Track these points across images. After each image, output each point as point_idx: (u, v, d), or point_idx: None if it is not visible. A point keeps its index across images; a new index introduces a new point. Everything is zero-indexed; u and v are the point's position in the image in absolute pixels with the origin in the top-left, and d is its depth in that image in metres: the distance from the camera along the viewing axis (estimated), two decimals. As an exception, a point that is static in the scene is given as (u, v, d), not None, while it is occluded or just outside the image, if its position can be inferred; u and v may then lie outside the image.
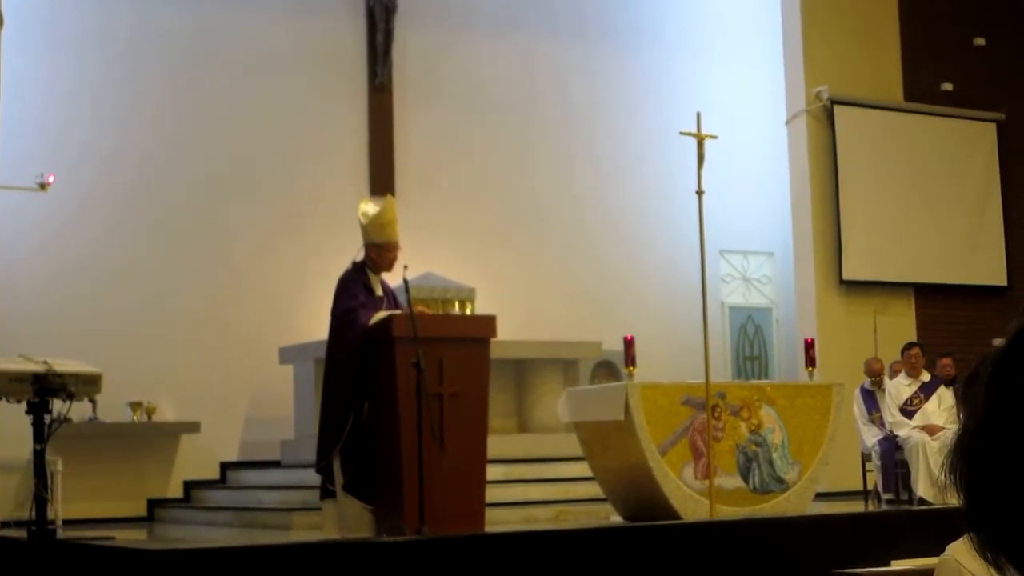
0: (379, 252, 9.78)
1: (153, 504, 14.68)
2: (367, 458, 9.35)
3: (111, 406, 13.93)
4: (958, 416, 2.48)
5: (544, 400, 14.61)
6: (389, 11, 16.43)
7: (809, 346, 11.75)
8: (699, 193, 10.63)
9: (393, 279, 9.92)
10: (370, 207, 10.00)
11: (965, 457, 2.09)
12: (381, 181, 16.22)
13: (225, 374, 15.15)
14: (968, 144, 17.83)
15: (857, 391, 13.84)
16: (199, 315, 15.23)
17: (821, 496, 12.44)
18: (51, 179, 14.15)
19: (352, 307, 9.54)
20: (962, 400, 2.14)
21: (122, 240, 15.07)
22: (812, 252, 16.78)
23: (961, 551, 2.24)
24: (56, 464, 12.56)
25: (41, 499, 9.00)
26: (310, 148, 16.21)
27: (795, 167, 17.16)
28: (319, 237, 15.53)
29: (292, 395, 14.91)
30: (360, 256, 9.86)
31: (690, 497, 10.27)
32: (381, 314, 9.45)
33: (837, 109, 16.96)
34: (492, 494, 10.33)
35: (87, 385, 9.28)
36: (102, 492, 14.17)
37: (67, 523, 12.34)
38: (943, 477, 2.16)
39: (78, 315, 14.58)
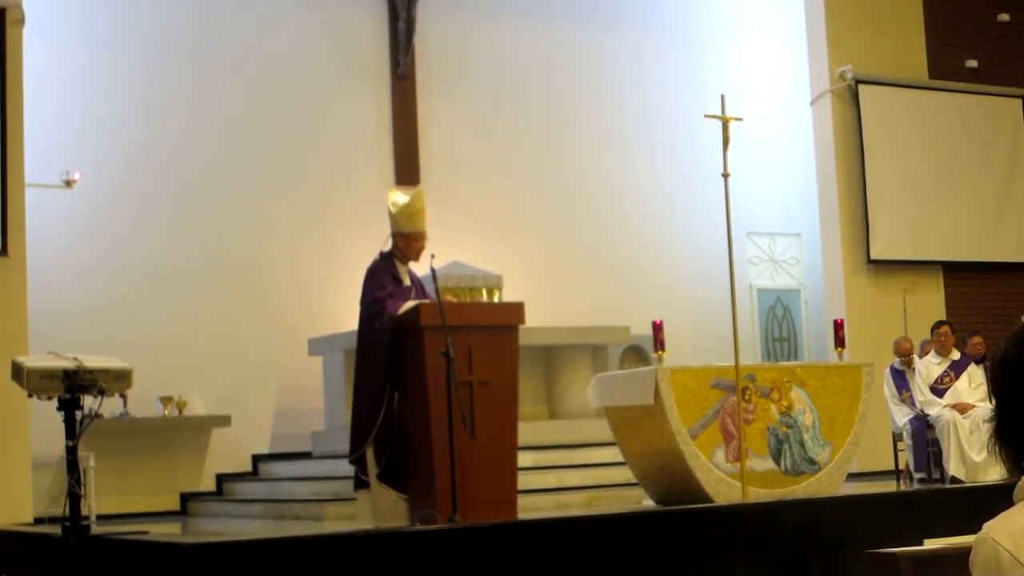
0: (407, 242, 9.77)
1: (186, 498, 14.75)
2: (399, 447, 9.36)
3: (142, 401, 14.00)
4: (991, 394, 2.48)
5: (574, 386, 14.60)
6: (410, 0, 16.42)
7: (838, 327, 11.70)
8: (725, 176, 10.59)
9: (420, 268, 9.92)
10: (400, 196, 9.97)
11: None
12: (406, 170, 16.24)
13: (255, 367, 15.19)
14: (994, 120, 17.72)
15: (887, 371, 13.80)
16: (227, 308, 15.27)
17: (853, 476, 12.41)
18: (77, 176, 14.18)
19: (380, 297, 9.53)
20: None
21: (149, 236, 15.11)
22: (839, 232, 16.72)
23: (997, 529, 2.24)
24: (88, 460, 12.59)
25: (74, 495, 9.01)
26: (334, 139, 16.22)
27: (820, 147, 17.10)
28: (345, 228, 15.55)
29: (322, 386, 14.95)
30: (387, 246, 9.85)
31: (722, 480, 10.24)
32: (409, 304, 9.45)
33: (862, 88, 16.88)
34: (524, 481, 10.33)
35: (117, 381, 9.28)
36: (135, 487, 14.24)
37: (101, 518, 12.41)
38: (990, 449, 2.18)
39: (107, 311, 14.62)
